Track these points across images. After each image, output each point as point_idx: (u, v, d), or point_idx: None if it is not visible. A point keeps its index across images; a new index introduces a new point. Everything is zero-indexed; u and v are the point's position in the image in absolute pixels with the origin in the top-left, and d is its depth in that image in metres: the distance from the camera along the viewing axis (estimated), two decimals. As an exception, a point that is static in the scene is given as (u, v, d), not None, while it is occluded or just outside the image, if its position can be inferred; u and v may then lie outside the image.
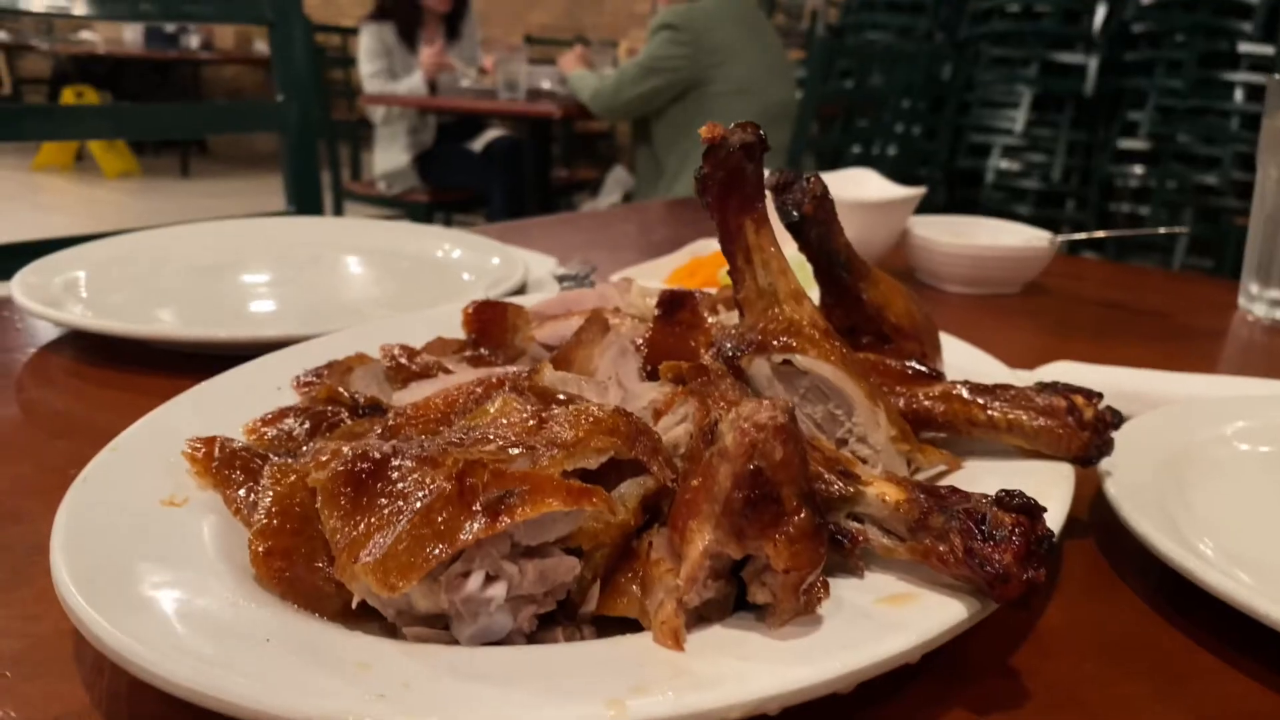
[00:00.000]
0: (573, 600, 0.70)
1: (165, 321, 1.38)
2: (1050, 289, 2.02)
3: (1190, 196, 5.91)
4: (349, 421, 0.93)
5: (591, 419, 0.73)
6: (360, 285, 1.59)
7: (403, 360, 1.09)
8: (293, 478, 0.78)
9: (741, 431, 0.63)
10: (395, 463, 0.71)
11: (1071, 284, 2.09)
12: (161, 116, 2.46)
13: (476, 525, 0.63)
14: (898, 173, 2.06)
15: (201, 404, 0.98)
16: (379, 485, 0.70)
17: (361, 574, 0.65)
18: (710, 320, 1.00)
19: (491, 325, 1.18)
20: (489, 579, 0.64)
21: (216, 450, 0.85)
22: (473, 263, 1.61)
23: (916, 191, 1.92)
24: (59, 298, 1.41)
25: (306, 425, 0.93)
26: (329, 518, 0.70)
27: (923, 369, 1.00)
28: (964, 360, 1.19)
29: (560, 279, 1.56)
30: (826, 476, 0.75)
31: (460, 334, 1.21)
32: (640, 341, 1.00)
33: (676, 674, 0.61)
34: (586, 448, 0.71)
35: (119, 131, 3.05)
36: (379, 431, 0.86)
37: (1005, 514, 0.70)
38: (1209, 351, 1.68)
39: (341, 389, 1.00)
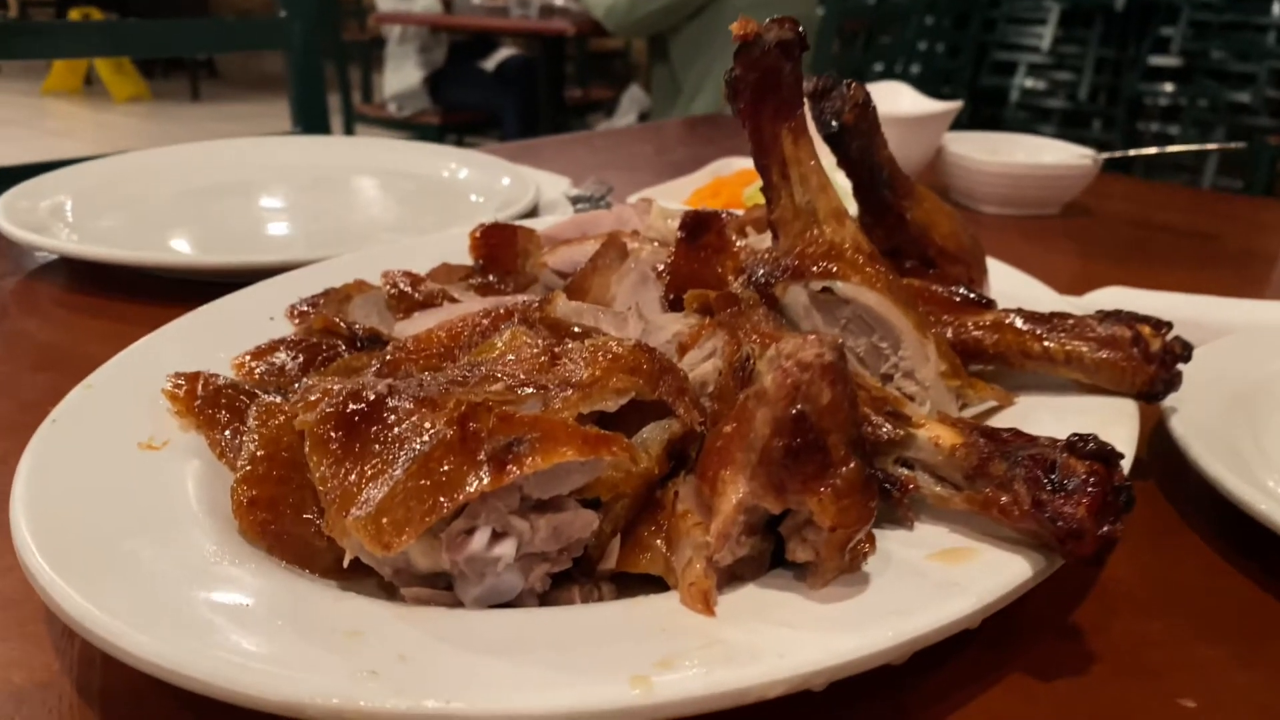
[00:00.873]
0: (590, 556, 0.63)
1: (156, 247, 1.30)
2: (1091, 210, 1.92)
3: (1222, 115, 5.71)
4: (346, 355, 0.86)
5: (610, 355, 0.65)
6: (361, 208, 1.51)
7: (405, 288, 1.01)
8: (281, 419, 0.71)
9: (783, 371, 0.55)
10: (391, 404, 0.63)
11: (1113, 205, 1.99)
12: (160, 33, 2.36)
13: (481, 477, 0.56)
14: (921, 91, 1.94)
15: (187, 336, 0.91)
16: (373, 429, 0.62)
17: (353, 530, 0.58)
18: (739, 244, 0.91)
19: (501, 250, 1.10)
20: (496, 536, 0.57)
21: (200, 387, 0.78)
22: (481, 184, 1.52)
23: (953, 105, 1.81)
24: (45, 223, 1.34)
25: (299, 359, 0.86)
26: (317, 465, 0.62)
27: (972, 296, 0.91)
28: (1010, 286, 1.11)
29: (574, 201, 1.47)
30: (873, 418, 0.67)
31: (467, 259, 1.13)
32: (662, 268, 0.92)
33: (707, 643, 0.54)
34: (604, 388, 0.63)
35: (119, 48, 2.94)
36: (376, 367, 0.78)
37: (1077, 460, 0.62)
38: (1265, 276, 1.58)
39: (338, 319, 0.92)
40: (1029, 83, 6.44)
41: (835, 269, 0.76)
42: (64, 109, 10.79)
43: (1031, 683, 0.65)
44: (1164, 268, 1.58)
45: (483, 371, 0.69)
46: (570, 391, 0.63)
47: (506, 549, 0.57)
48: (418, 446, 0.59)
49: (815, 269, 0.77)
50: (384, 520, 0.57)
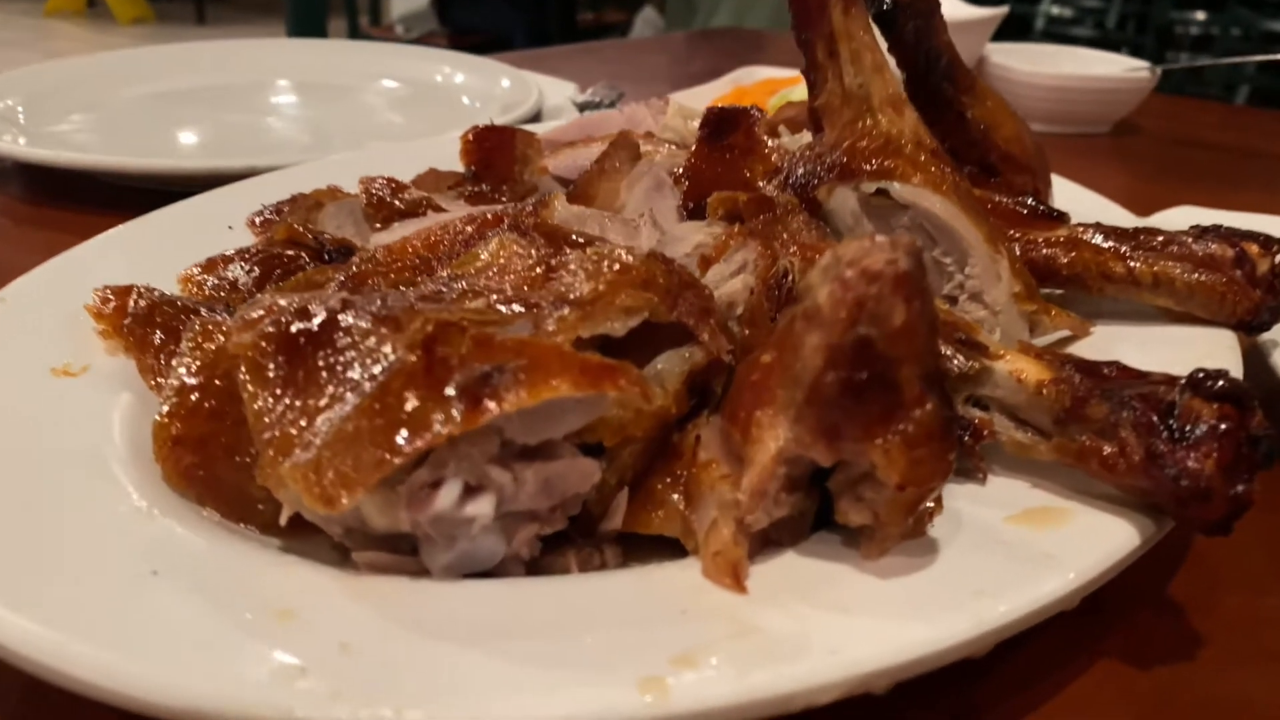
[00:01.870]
0: (590, 514, 0.51)
1: (111, 152, 1.17)
2: (1143, 129, 1.76)
3: (1255, 45, 5.48)
4: (310, 268, 0.73)
5: (617, 266, 0.52)
6: (342, 115, 1.37)
7: (385, 195, 0.88)
8: (220, 340, 0.58)
9: (842, 284, 0.42)
10: (345, 322, 0.51)
11: (1163, 124, 1.83)
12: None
13: (450, 416, 0.43)
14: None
15: (128, 246, 0.78)
16: (321, 354, 0.50)
17: (290, 480, 0.45)
18: (771, 144, 0.78)
19: (496, 155, 0.97)
20: (469, 491, 0.45)
21: (132, 302, 0.65)
22: (479, 89, 1.38)
23: (997, 11, 1.65)
24: (-7, 126, 1.21)
25: (255, 273, 0.73)
26: (253, 397, 0.50)
27: (1042, 208, 0.78)
28: (1076, 206, 0.97)
29: (581, 108, 1.33)
30: (942, 348, 0.54)
31: (458, 166, 0.99)
32: (680, 172, 0.79)
33: (739, 632, 0.42)
34: (609, 307, 0.50)
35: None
36: (338, 281, 0.65)
37: (1203, 402, 0.49)
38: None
39: (305, 228, 0.79)
40: (1055, 10, 6.19)
41: (892, 166, 0.63)
42: (67, 30, 10.55)
43: (1126, 670, 0.53)
44: (1231, 189, 1.43)
45: (462, 286, 0.56)
46: (568, 310, 0.50)
47: (482, 506, 0.45)
48: (372, 376, 0.47)
49: (868, 167, 0.63)
50: (327, 469, 0.45)
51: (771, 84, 1.45)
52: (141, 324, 0.64)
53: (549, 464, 0.46)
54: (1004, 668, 0.52)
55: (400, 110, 1.38)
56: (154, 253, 0.76)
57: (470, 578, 0.47)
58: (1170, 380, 0.51)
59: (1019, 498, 0.53)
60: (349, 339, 0.50)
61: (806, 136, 0.80)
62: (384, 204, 0.87)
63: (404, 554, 0.48)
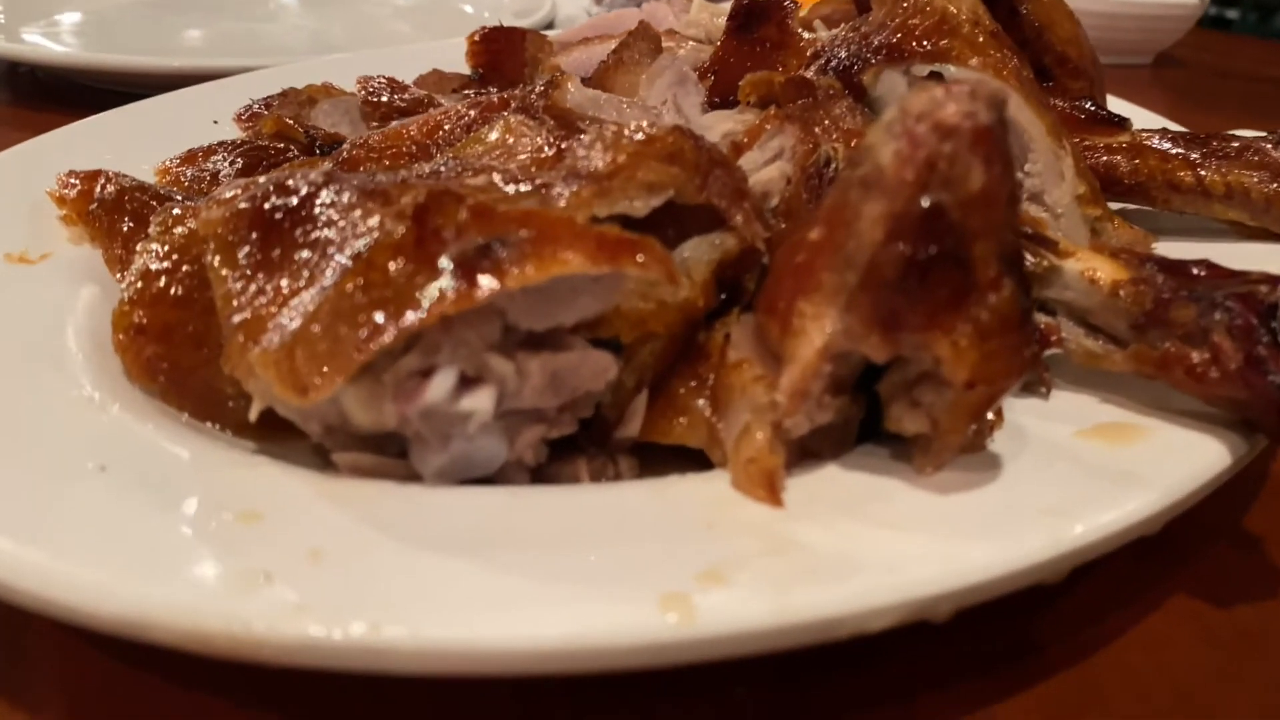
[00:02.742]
0: (604, 419, 0.44)
1: (94, 49, 1.10)
2: (1185, 62, 1.67)
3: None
4: (297, 161, 0.67)
5: (640, 136, 0.45)
6: (341, 22, 1.29)
7: (383, 95, 0.81)
8: (190, 224, 0.52)
9: (911, 141, 0.36)
10: (326, 198, 0.44)
11: (1209, 58, 1.74)
12: None
13: (443, 292, 0.37)
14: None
15: (101, 136, 0.72)
16: (299, 231, 0.44)
17: (259, 366, 0.39)
18: (806, 37, 0.70)
19: (504, 56, 0.89)
20: (466, 382, 0.39)
21: (99, 187, 0.59)
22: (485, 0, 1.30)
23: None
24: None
25: (239, 164, 0.66)
26: (221, 280, 0.44)
27: (1103, 112, 0.71)
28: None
29: (597, 21, 1.25)
30: (1006, 241, 0.48)
31: (464, 70, 0.92)
32: (705, 66, 0.72)
33: (775, 547, 0.36)
34: (630, 181, 0.44)
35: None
36: (327, 168, 0.58)
37: (1311, 304, 0.43)
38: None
39: (296, 122, 0.72)
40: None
41: (948, 47, 0.56)
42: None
43: (1205, 608, 0.47)
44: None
45: (462, 167, 0.49)
46: (580, 185, 0.43)
47: (481, 401, 0.38)
48: (355, 251, 0.41)
49: (920, 47, 0.56)
50: (301, 353, 0.39)
51: None
52: (109, 211, 0.58)
53: (558, 355, 0.40)
54: (1065, 601, 0.46)
55: (405, 19, 1.30)
56: (129, 144, 0.70)
57: (467, 485, 0.41)
58: (1272, 279, 0.45)
59: (1089, 412, 0.47)
60: (330, 214, 0.44)
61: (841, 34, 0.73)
62: (382, 103, 0.80)
63: (393, 457, 0.42)
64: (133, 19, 1.25)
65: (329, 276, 0.41)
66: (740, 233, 0.45)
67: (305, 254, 0.43)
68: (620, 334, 0.43)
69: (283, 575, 0.33)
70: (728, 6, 0.83)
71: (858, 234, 0.38)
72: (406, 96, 0.81)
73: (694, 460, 0.45)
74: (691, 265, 0.44)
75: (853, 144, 0.53)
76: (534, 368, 0.39)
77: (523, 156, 0.52)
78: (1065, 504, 0.40)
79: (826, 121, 0.54)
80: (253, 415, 0.41)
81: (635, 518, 0.38)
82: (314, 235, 0.43)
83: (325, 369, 0.38)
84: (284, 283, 0.43)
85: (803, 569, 0.35)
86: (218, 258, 0.45)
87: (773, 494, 0.39)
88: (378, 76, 0.85)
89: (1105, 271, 0.48)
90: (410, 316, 0.37)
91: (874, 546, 0.37)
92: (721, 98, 0.69)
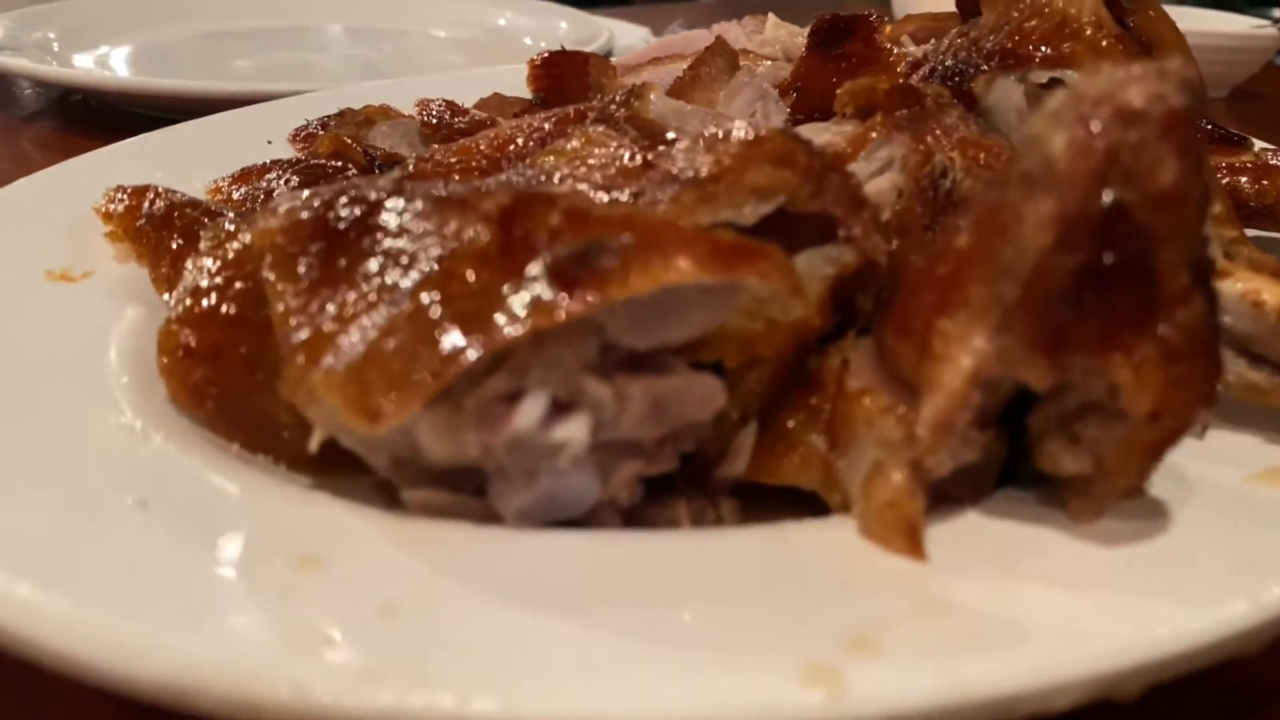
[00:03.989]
0: (704, 455, 0.39)
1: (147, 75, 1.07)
2: (1263, 95, 1.61)
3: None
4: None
5: (746, 137, 0.40)
6: (393, 56, 1.26)
7: (444, 117, 0.77)
8: (245, 239, 0.47)
9: (1089, 128, 0.30)
10: (396, 205, 0.40)
11: (1282, 93, 1.67)
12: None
13: (535, 304, 0.32)
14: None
15: (151, 154, 0.68)
16: (366, 240, 0.39)
17: (323, 390, 0.35)
18: (896, 52, 0.66)
19: (566, 80, 0.85)
20: (559, 408, 0.34)
21: (148, 202, 0.55)
22: (540, 30, 1.27)
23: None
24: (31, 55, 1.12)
25: (294, 183, 0.62)
26: (278, 295, 0.39)
27: (1222, 129, 0.65)
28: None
29: (656, 53, 1.21)
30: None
31: (523, 95, 0.88)
32: (786, 83, 0.67)
33: (925, 609, 0.31)
34: (737, 185, 0.39)
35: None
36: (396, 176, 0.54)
37: None
38: None
39: (353, 142, 0.68)
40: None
41: (1070, 52, 0.51)
42: None
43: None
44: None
45: (542, 174, 0.45)
46: (679, 189, 0.38)
47: (575, 430, 0.33)
48: (433, 261, 0.36)
49: (1039, 52, 0.51)
50: (371, 374, 0.34)
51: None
52: (157, 227, 0.54)
53: (661, 379, 0.35)
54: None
55: (457, 50, 1.28)
56: (178, 163, 0.66)
57: (554, 526, 0.36)
58: None
59: (1256, 454, 0.41)
60: (402, 222, 0.39)
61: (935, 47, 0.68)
62: (442, 125, 0.76)
63: (468, 494, 0.36)
64: (184, 49, 1.23)
65: (402, 290, 0.36)
66: (859, 245, 0.40)
67: (374, 265, 0.38)
68: (724, 358, 0.38)
69: (349, 633, 0.28)
70: (804, 26, 0.78)
71: (1018, 239, 0.32)
72: (466, 120, 0.77)
73: (802, 503, 0.39)
74: (805, 281, 0.39)
75: (969, 154, 0.48)
76: (635, 393, 0.34)
77: (607, 167, 0.47)
78: (1255, 560, 0.34)
79: (938, 131, 0.49)
80: (313, 445, 0.36)
81: (756, 570, 0.33)
82: (384, 245, 0.39)
83: (399, 392, 0.33)
84: (350, 297, 0.38)
85: (965, 635, 0.29)
86: (275, 271, 0.40)
87: (915, 545, 0.33)
88: (437, 100, 0.81)
89: (1272, 294, 0.42)
90: (497, 333, 0.32)
91: (1043, 609, 0.31)
92: (805, 115, 0.64)
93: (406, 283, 0.36)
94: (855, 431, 0.38)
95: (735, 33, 0.82)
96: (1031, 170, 0.32)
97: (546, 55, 0.88)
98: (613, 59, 1.05)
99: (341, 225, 0.40)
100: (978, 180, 0.46)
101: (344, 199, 0.41)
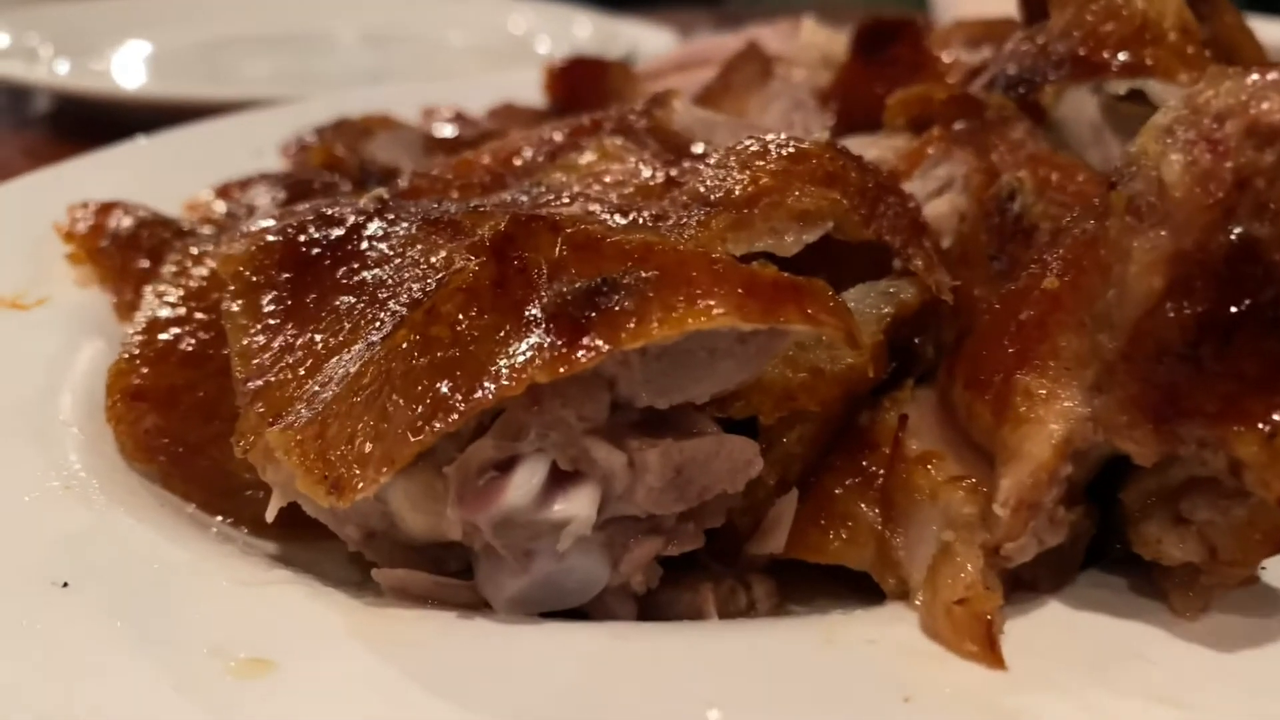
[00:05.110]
0: (735, 529, 0.33)
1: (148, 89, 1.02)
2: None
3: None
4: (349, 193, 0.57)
5: (789, 152, 0.34)
6: (404, 59, 1.21)
7: (451, 128, 0.72)
8: (213, 264, 0.42)
9: (1211, 147, 0.24)
10: (377, 229, 0.34)
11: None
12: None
13: (532, 350, 0.26)
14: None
15: (128, 165, 0.63)
16: (341, 270, 0.34)
17: (280, 449, 0.29)
18: (946, 59, 0.60)
19: (585, 89, 0.80)
20: (559, 478, 0.28)
21: (114, 220, 0.50)
22: (558, 35, 1.21)
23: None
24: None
25: (281, 198, 0.57)
26: (240, 331, 0.34)
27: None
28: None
29: (680, 62, 1.15)
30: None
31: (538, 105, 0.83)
32: (826, 91, 0.61)
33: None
34: (777, 207, 0.33)
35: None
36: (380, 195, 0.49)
37: None
38: None
39: (350, 155, 0.63)
40: None
41: (1152, 59, 0.45)
42: None
43: None
44: None
45: (550, 193, 0.39)
46: (707, 213, 0.33)
47: (579, 505, 0.27)
48: (415, 297, 0.30)
49: (1116, 60, 0.45)
50: (336, 436, 0.28)
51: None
52: (122, 247, 0.48)
53: (684, 443, 0.29)
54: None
55: (473, 57, 1.22)
56: (158, 175, 0.61)
57: (552, 617, 0.30)
58: None
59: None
60: (383, 249, 0.34)
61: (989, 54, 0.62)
62: (448, 138, 0.71)
63: (451, 574, 0.31)
64: (190, 56, 1.19)
65: (378, 330, 0.31)
66: (924, 278, 0.34)
67: (349, 301, 0.33)
68: (760, 413, 0.32)
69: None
70: (842, 31, 0.72)
71: (1122, 281, 0.26)
72: (475, 130, 0.72)
73: (847, 578, 0.33)
74: (861, 319, 0.33)
75: (1040, 173, 0.42)
76: (652, 460, 0.28)
77: (624, 184, 0.41)
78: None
79: (1003, 147, 0.43)
80: (269, 514, 0.31)
81: (799, 680, 0.26)
82: (361, 276, 0.33)
83: (367, 458, 0.27)
84: (319, 338, 0.32)
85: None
86: (238, 303, 0.35)
87: (991, 650, 0.27)
88: (444, 108, 0.76)
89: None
90: (486, 388, 0.26)
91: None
92: (848, 125, 0.59)
93: (384, 323, 0.31)
94: (916, 504, 0.32)
95: (767, 36, 0.76)
96: (1139, 197, 0.26)
97: (566, 62, 0.82)
98: (638, 67, 0.99)
99: (315, 252, 0.35)
100: (1051, 205, 0.40)
101: (318, 221, 0.36)
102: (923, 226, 0.36)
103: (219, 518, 0.36)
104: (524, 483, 0.27)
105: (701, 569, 0.33)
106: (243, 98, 0.86)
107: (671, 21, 1.34)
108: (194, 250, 0.42)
